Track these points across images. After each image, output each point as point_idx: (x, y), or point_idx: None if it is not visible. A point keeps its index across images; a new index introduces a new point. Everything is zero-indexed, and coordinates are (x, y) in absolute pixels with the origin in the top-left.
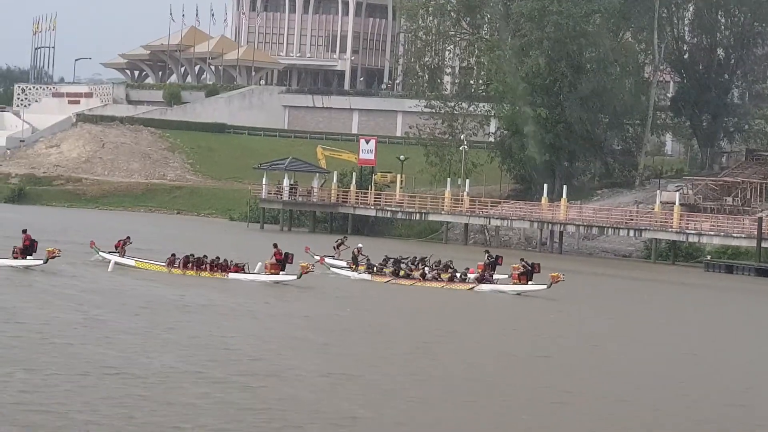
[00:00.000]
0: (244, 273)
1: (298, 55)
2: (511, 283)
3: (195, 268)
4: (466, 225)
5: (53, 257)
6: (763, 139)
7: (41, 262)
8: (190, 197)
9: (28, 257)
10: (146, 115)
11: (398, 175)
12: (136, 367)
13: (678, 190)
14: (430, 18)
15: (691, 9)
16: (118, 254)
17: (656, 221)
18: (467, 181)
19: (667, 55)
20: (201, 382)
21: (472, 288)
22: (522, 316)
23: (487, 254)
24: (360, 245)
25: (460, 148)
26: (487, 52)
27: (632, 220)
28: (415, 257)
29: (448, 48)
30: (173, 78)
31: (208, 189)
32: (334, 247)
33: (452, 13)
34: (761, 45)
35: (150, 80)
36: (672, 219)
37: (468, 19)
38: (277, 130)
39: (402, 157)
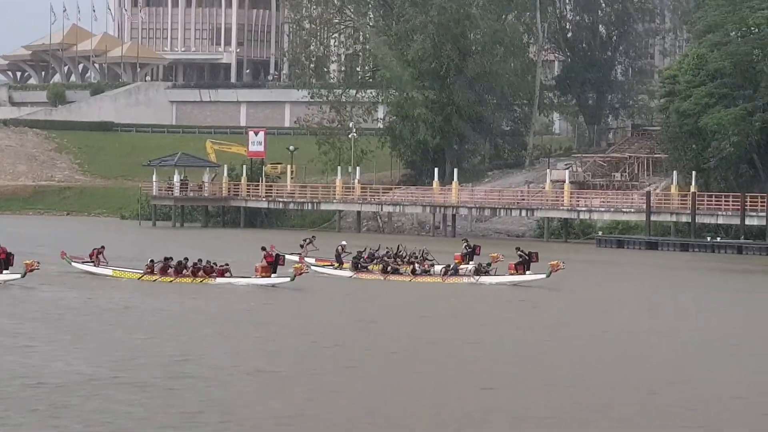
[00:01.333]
0: (232, 276)
1: (183, 49)
2: (507, 274)
3: (174, 273)
4: (359, 213)
5: (32, 270)
6: (647, 114)
7: (19, 276)
8: (79, 198)
9: (4, 271)
10: (31, 116)
11: (288, 166)
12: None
13: (567, 168)
14: (314, 7)
15: None
16: (92, 264)
17: (547, 200)
18: (358, 168)
19: (551, 34)
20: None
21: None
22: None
23: (464, 243)
24: (344, 242)
25: (350, 136)
26: (372, 39)
27: (524, 200)
28: (388, 249)
29: (333, 36)
30: (57, 78)
31: (97, 189)
32: (300, 246)
33: (336, 1)
34: (641, 21)
35: (33, 81)
36: (563, 197)
37: (352, 6)
38: (165, 126)
39: (291, 147)
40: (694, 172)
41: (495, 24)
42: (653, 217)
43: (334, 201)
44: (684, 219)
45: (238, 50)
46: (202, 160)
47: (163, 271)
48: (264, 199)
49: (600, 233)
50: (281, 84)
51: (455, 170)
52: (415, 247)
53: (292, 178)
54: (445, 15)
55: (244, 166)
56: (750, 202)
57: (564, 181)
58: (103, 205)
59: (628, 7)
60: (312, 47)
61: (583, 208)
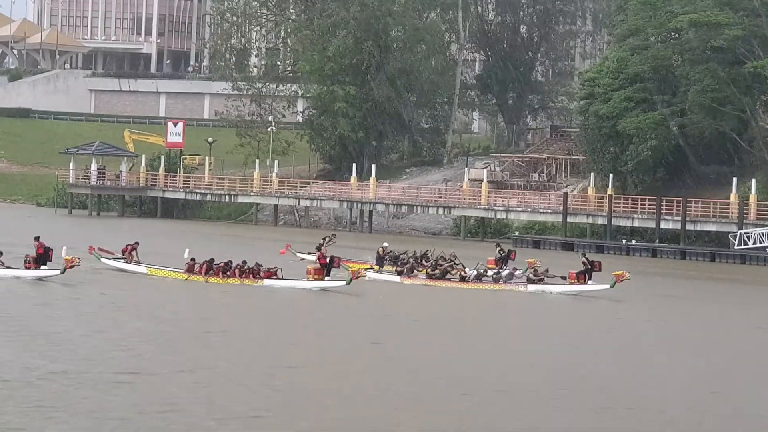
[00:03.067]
0: (279, 279)
1: (103, 38)
2: (567, 283)
3: (220, 274)
4: (276, 206)
5: (72, 267)
6: (566, 116)
7: (58, 272)
8: None
9: (42, 267)
10: None
11: (207, 158)
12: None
13: (485, 168)
14: None
15: None
16: (124, 260)
17: (465, 199)
18: (276, 162)
19: (473, 33)
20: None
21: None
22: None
23: (498, 248)
24: (385, 244)
25: (269, 129)
26: (293, 33)
27: (441, 198)
28: (415, 252)
29: (255, 29)
30: None
31: (13, 175)
32: (320, 244)
33: None
34: (563, 23)
35: None
36: (480, 196)
37: (274, 0)
38: (83, 115)
39: (210, 139)
40: (611, 175)
41: (417, 21)
42: (570, 219)
43: (252, 194)
44: (600, 221)
45: (158, 40)
46: (120, 149)
47: (208, 271)
48: (181, 190)
49: (516, 233)
50: (201, 76)
51: (373, 166)
52: (442, 251)
53: (210, 170)
54: (366, 11)
55: (162, 157)
56: (666, 205)
57: (482, 180)
58: (19, 192)
59: (549, 9)
60: (233, 40)
61: (501, 208)
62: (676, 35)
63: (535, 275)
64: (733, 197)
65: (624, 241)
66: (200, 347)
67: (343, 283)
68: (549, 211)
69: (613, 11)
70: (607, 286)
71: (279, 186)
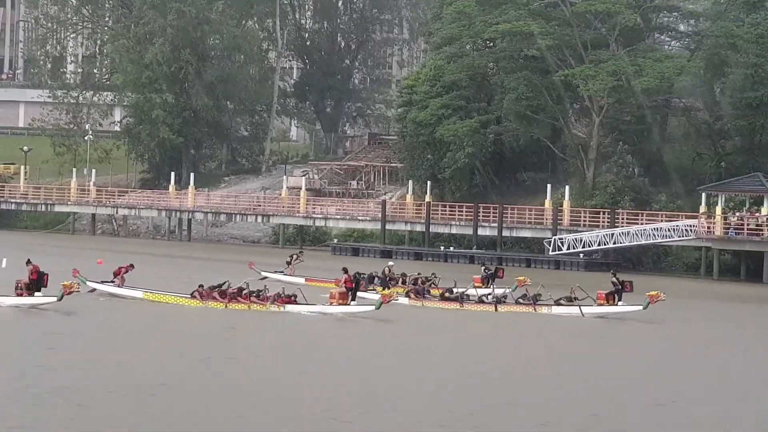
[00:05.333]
0: (297, 303)
1: None
2: (595, 304)
3: (235, 299)
4: (93, 215)
5: (71, 293)
6: (384, 123)
7: (54, 299)
8: None
9: (36, 294)
10: None
11: (22, 167)
12: None
13: (304, 175)
14: (51, 5)
15: None
16: (114, 284)
17: (283, 207)
18: (93, 171)
19: (291, 41)
20: None
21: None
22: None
23: (484, 267)
24: (391, 263)
25: (86, 138)
26: (110, 41)
27: (260, 206)
28: (419, 274)
29: (71, 36)
30: None
31: None
32: (287, 263)
33: (73, 1)
34: (380, 31)
35: None
36: (299, 204)
37: (89, 7)
38: None
39: (25, 148)
40: (429, 182)
41: (234, 29)
42: (388, 226)
43: (69, 203)
44: (419, 228)
45: None
46: None
47: (222, 296)
48: None
49: (335, 241)
50: (16, 83)
51: (192, 174)
52: (418, 272)
53: (25, 179)
54: (184, 19)
55: None
56: (483, 212)
57: (300, 188)
58: None
59: (366, 17)
60: (49, 47)
61: (319, 216)
62: (491, 44)
63: (568, 299)
64: (548, 204)
65: (442, 247)
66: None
67: (372, 308)
68: (368, 218)
69: (429, 20)
70: (640, 308)
71: (97, 195)
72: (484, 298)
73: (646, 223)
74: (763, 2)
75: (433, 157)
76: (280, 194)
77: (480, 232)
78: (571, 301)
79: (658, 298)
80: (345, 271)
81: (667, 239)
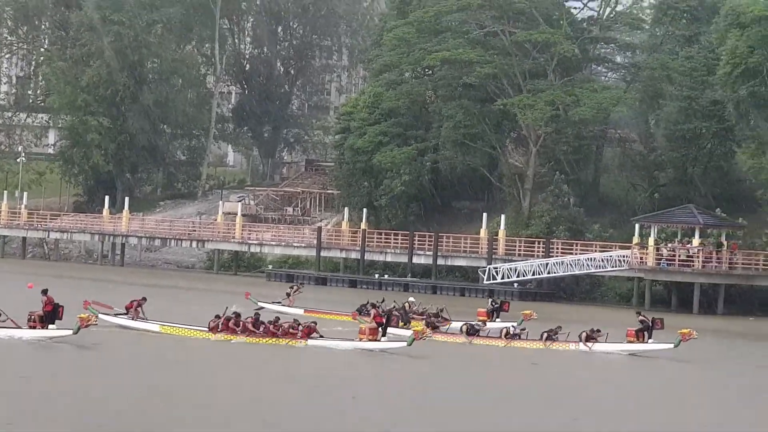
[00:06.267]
0: (322, 337)
1: None
2: (625, 342)
3: (255, 333)
4: (24, 238)
5: (87, 326)
6: (321, 150)
7: (70, 332)
8: None
9: (50, 326)
10: None
11: None
12: None
13: (240, 201)
14: None
15: (251, 21)
16: (128, 317)
17: (219, 232)
18: (25, 194)
19: (229, 66)
20: None
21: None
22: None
23: (491, 300)
24: (411, 299)
25: (18, 160)
26: (45, 62)
27: (195, 231)
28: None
29: (6, 57)
30: None
31: None
32: (287, 294)
33: (9, 21)
34: (319, 57)
35: None
36: (234, 229)
37: (26, 27)
38: None
39: None
40: (365, 209)
41: (173, 53)
42: (324, 253)
43: None
44: (354, 255)
45: None
46: None
47: (243, 329)
48: None
49: (270, 267)
50: None
51: (126, 199)
52: (430, 305)
53: None
54: (122, 42)
55: None
56: (418, 240)
57: (236, 214)
58: None
59: (305, 43)
60: None
61: (255, 242)
62: (430, 72)
63: (588, 338)
64: (483, 233)
65: (377, 275)
66: None
67: (404, 344)
68: (303, 245)
69: (368, 46)
70: (672, 346)
71: (28, 218)
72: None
73: (580, 253)
74: (698, 36)
75: (370, 184)
76: (216, 219)
77: (415, 260)
78: (594, 333)
79: (691, 336)
80: (374, 306)
81: (601, 269)
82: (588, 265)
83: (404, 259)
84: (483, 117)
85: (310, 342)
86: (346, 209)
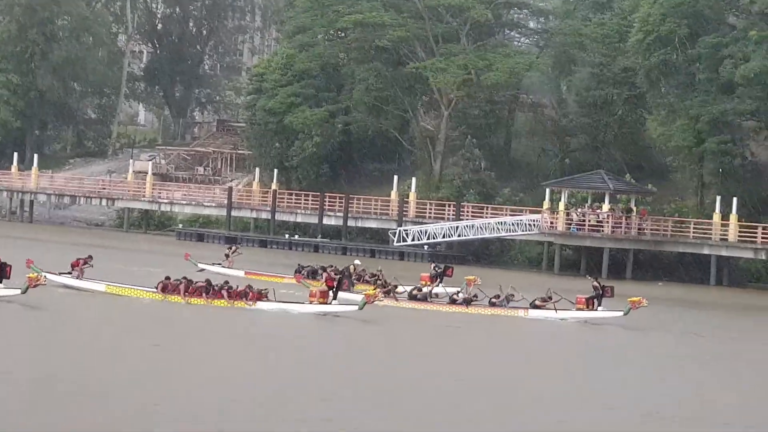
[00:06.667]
0: (274, 301)
1: None
2: (574, 309)
3: (203, 295)
4: None
5: (36, 285)
6: (233, 110)
7: (18, 291)
8: None
9: None
10: None
11: None
12: None
13: (151, 160)
14: None
15: None
16: (72, 275)
17: (129, 190)
18: None
19: (141, 25)
20: None
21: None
22: None
23: (434, 265)
24: (357, 261)
25: None
26: None
27: (105, 189)
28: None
29: None
30: None
31: None
32: (225, 255)
33: None
34: (232, 18)
35: None
36: (144, 188)
37: None
38: None
39: None
40: (276, 170)
41: (84, 11)
42: (234, 213)
43: None
44: (264, 216)
45: None
46: None
47: (186, 291)
48: None
49: (180, 226)
50: None
51: (36, 156)
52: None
53: None
54: None
55: None
56: (329, 201)
57: (147, 173)
58: None
59: (218, 3)
60: None
61: (165, 200)
62: (343, 34)
63: (543, 300)
64: (394, 195)
65: (287, 236)
66: None
67: (355, 307)
68: (213, 204)
69: (282, 8)
70: (621, 314)
71: None
72: (455, 297)
73: (491, 217)
74: (611, 3)
75: (281, 145)
76: (126, 178)
77: (325, 221)
78: (545, 301)
79: (640, 304)
80: (324, 269)
81: (511, 233)
82: (498, 228)
83: (315, 220)
84: (395, 80)
85: (259, 305)
86: (257, 170)
